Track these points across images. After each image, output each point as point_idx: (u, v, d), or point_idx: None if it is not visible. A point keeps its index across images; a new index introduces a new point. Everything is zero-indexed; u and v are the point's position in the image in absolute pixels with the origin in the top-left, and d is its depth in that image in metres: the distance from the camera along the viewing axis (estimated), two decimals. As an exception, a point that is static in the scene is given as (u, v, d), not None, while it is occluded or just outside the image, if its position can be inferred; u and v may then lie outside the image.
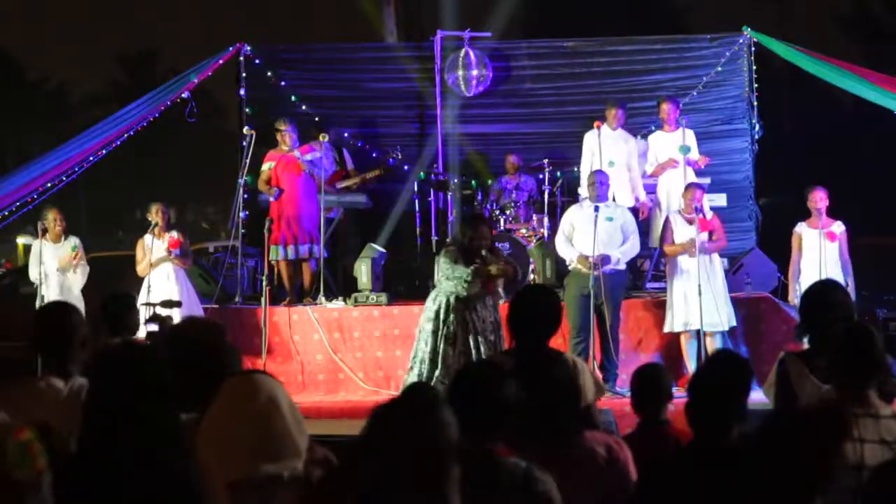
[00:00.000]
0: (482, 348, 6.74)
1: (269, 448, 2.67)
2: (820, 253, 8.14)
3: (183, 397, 2.88)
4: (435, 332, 6.87)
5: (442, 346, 6.82)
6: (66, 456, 2.79)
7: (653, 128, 10.07)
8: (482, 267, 6.78)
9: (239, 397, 2.71)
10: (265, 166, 9.34)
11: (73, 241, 8.83)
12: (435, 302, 6.95)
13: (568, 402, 3.05)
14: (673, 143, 9.20)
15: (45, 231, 8.76)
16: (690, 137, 9.31)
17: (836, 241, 8.24)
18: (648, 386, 4.27)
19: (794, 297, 8.13)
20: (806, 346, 4.05)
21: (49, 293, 8.53)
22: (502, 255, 7.36)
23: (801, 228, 8.38)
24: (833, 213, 8.39)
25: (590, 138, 9.35)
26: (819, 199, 8.27)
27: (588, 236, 7.87)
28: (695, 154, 9.25)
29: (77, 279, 8.72)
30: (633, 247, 8.20)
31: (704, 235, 8.04)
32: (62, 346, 3.69)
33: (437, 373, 6.80)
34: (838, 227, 8.30)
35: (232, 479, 2.63)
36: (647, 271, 9.63)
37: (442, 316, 6.85)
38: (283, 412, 2.71)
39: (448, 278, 6.86)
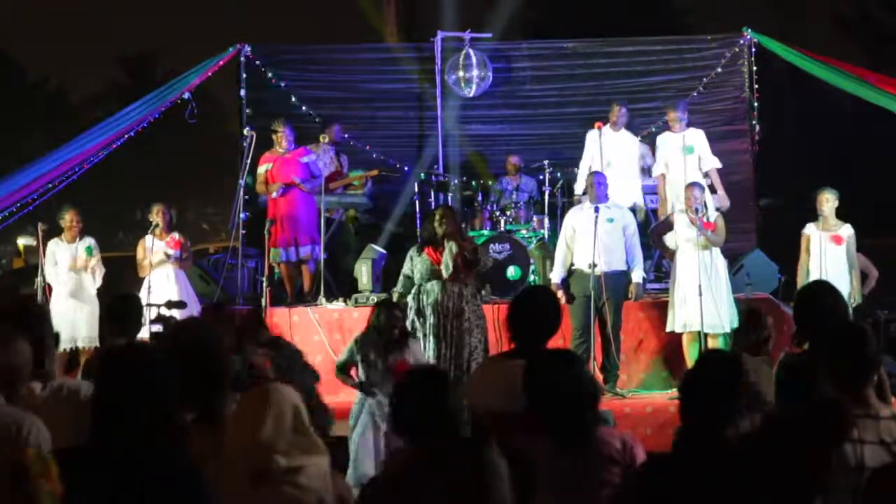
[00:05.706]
0: (447, 336, 7.21)
1: (296, 444, 2.78)
2: (821, 255, 8.11)
3: (182, 397, 2.89)
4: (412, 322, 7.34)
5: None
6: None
7: (653, 129, 10.05)
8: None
9: (264, 401, 2.82)
10: (261, 169, 9.32)
11: (89, 241, 8.82)
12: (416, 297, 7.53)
13: (592, 397, 3.26)
14: (680, 143, 9.10)
15: (45, 231, 8.80)
16: (700, 137, 9.26)
17: (841, 245, 8.16)
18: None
19: None
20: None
21: (63, 292, 8.55)
22: (468, 244, 7.45)
23: (809, 230, 8.33)
24: (835, 214, 8.35)
25: (591, 138, 9.33)
26: (823, 200, 8.22)
27: (589, 238, 7.86)
28: (706, 154, 9.17)
29: (91, 279, 8.73)
30: (639, 251, 8.21)
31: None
32: (38, 351, 3.68)
33: None
34: (846, 231, 8.21)
35: (257, 469, 2.72)
36: (647, 272, 9.62)
37: (415, 305, 7.43)
38: (304, 417, 2.84)
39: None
